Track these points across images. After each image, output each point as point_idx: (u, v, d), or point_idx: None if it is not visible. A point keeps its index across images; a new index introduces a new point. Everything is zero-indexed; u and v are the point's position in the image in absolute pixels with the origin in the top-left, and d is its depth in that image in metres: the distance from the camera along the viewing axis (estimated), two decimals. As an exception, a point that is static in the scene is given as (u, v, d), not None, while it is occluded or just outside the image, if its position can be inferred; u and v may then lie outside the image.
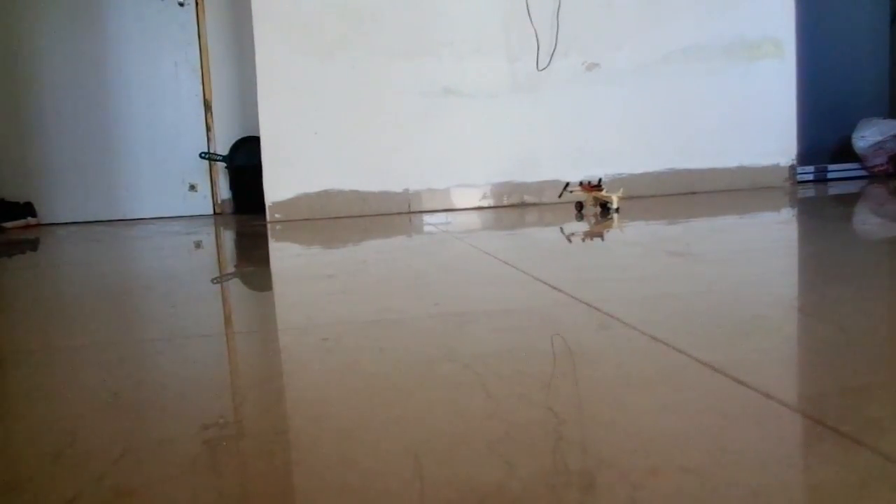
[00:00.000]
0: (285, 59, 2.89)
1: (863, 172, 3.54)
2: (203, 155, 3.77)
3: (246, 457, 0.51)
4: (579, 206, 2.60)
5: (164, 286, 1.33)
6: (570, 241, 1.77)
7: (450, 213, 2.83)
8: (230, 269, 1.70)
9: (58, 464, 0.50)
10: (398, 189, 2.99)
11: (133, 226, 3.29)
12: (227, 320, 1.06)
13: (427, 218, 2.66)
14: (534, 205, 3.02)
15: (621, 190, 2.48)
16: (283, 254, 1.89)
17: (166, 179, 3.82)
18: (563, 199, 2.88)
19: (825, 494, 0.40)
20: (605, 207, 2.47)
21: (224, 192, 3.89)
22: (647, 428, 0.52)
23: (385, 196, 2.99)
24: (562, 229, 2.03)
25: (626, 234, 1.83)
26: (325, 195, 2.95)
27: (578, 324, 0.88)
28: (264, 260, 1.81)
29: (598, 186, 2.53)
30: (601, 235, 1.82)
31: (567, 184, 2.78)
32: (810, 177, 3.52)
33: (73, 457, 0.51)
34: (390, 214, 2.94)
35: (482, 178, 3.06)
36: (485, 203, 3.06)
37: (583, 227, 2.06)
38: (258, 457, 0.51)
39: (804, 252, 1.47)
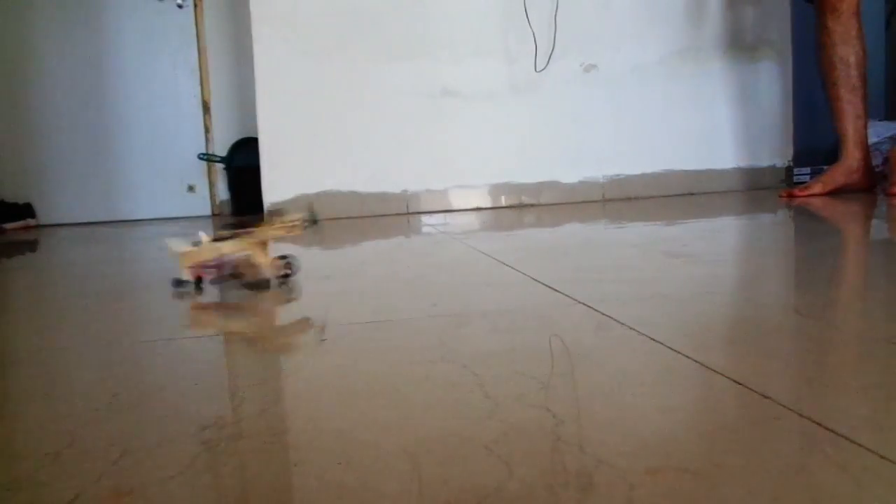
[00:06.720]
0: (284, 60, 2.89)
1: (860, 174, 3.54)
2: (202, 156, 3.77)
3: (245, 457, 0.51)
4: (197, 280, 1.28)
5: (164, 286, 1.33)
6: (567, 241, 1.77)
7: (448, 214, 2.84)
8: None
9: (57, 464, 0.50)
10: (396, 190, 2.99)
11: (132, 227, 3.29)
12: (226, 321, 1.06)
13: (425, 219, 2.67)
14: (532, 206, 3.03)
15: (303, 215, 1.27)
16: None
17: (165, 180, 3.82)
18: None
19: (823, 494, 0.40)
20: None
21: (223, 193, 3.89)
22: (645, 428, 0.52)
23: (383, 197, 2.99)
24: (560, 230, 2.03)
25: (623, 234, 1.83)
26: (324, 196, 2.95)
27: (576, 324, 0.88)
28: (263, 261, 1.81)
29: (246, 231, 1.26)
30: (598, 237, 1.82)
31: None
32: (807, 178, 3.52)
33: (73, 457, 0.51)
34: (389, 215, 2.94)
35: (480, 179, 3.06)
36: (483, 204, 3.06)
37: (580, 228, 2.06)
38: (257, 457, 0.51)
39: (800, 253, 1.47)
